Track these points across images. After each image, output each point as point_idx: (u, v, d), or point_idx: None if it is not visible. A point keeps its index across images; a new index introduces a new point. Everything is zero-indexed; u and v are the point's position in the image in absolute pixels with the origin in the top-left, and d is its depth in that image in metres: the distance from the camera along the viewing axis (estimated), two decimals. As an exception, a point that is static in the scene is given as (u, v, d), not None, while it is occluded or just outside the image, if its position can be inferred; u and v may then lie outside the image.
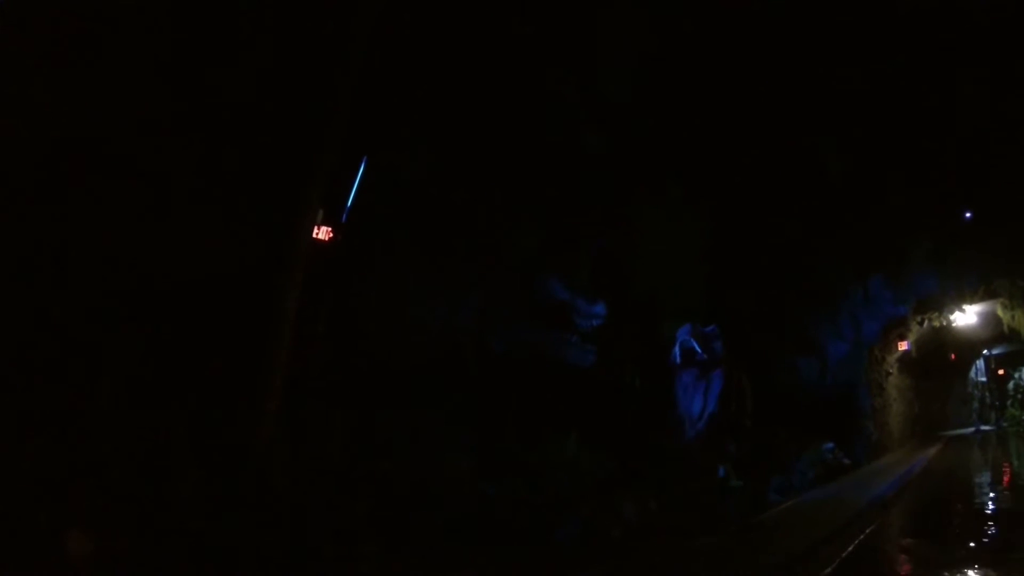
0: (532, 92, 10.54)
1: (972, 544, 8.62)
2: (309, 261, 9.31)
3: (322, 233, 9.83)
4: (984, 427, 34.63)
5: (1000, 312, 21.57)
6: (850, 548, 8.14)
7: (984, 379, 37.07)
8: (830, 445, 14.64)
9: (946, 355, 28.10)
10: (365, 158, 9.11)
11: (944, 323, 21.20)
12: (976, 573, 7.34)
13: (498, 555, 6.65)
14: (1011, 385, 35.98)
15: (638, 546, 7.26)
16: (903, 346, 20.55)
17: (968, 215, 17.57)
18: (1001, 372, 36.11)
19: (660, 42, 11.93)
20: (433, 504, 7.57)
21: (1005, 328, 22.76)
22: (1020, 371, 34.87)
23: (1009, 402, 35.75)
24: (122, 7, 6.57)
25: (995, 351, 33.22)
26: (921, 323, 20.41)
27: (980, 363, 36.03)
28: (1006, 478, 16.17)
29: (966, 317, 21.33)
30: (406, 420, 8.89)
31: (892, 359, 20.78)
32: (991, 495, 13.38)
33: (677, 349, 12.70)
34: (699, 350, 12.53)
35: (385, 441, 8.55)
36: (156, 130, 7.06)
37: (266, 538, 6.34)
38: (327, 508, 7.15)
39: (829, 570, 7.23)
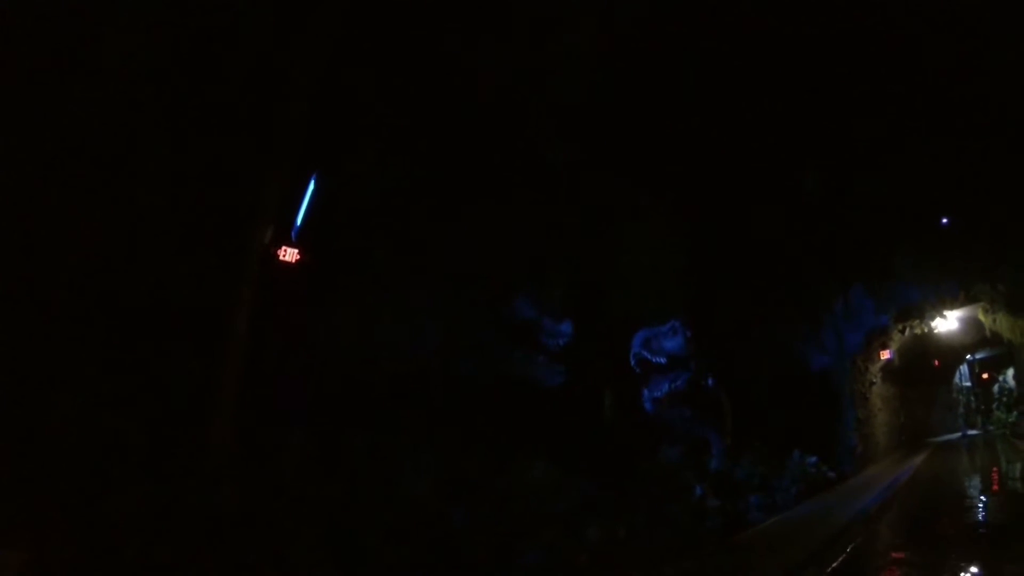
0: (489, 100, 10.33)
1: (959, 561, 8.33)
2: (275, 281, 9.15)
3: (289, 255, 9.65)
4: (971, 432, 34.58)
5: (982, 316, 21.50)
6: (833, 567, 7.86)
7: (969, 384, 37.12)
8: (813, 459, 14.38)
9: (930, 362, 28.04)
10: (315, 175, 8.83)
11: (926, 330, 21.09)
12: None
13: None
14: (996, 388, 36.02)
15: (605, 573, 6.90)
16: (886, 355, 20.38)
17: (945, 221, 17.50)
18: (985, 376, 36.19)
19: (614, 44, 11.75)
20: (390, 529, 7.22)
21: (987, 332, 22.68)
22: (1004, 374, 34.89)
23: (995, 405, 35.77)
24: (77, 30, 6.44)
25: (979, 356, 33.25)
26: (903, 331, 20.27)
27: (964, 368, 36.07)
28: (994, 486, 15.96)
29: (948, 323, 21.25)
30: (366, 441, 8.57)
31: (875, 369, 20.60)
32: (979, 506, 13.13)
33: (632, 360, 12.41)
34: (652, 358, 12.24)
35: (343, 463, 8.21)
36: (112, 150, 6.89)
37: (207, 558, 6.07)
38: (276, 531, 6.83)
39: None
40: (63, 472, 6.14)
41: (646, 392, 12.28)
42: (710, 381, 12.60)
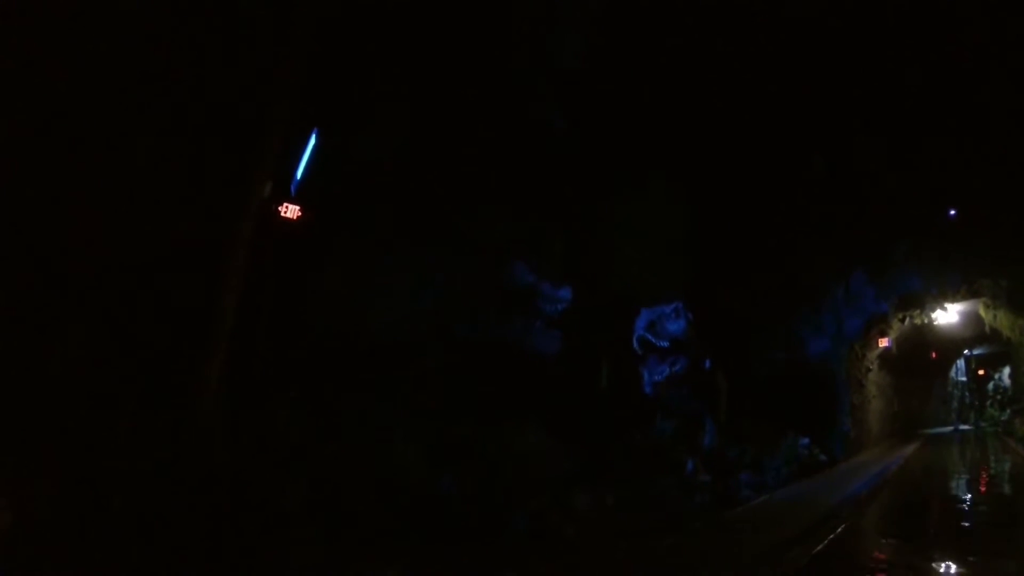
0: (492, 61, 10.10)
1: (944, 548, 8.32)
2: (273, 238, 9.00)
3: (290, 212, 9.48)
4: (963, 426, 34.77)
5: (982, 312, 21.39)
6: (819, 548, 7.82)
7: (964, 379, 37.20)
8: (806, 441, 14.37)
9: (927, 354, 28.02)
10: (316, 130, 8.63)
11: (926, 321, 20.99)
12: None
13: (438, 549, 6.25)
14: (991, 386, 36.08)
15: (592, 543, 6.86)
16: (884, 343, 20.33)
17: (952, 213, 17.34)
18: (981, 372, 36.22)
19: (619, 11, 11.49)
20: (379, 490, 7.17)
21: (987, 328, 22.60)
22: (1000, 372, 34.92)
23: (988, 402, 35.86)
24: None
25: (976, 351, 33.26)
26: (903, 320, 20.19)
27: (961, 363, 36.11)
28: (983, 479, 16.00)
29: (948, 316, 21.16)
30: (359, 402, 8.48)
31: (873, 356, 20.56)
32: (967, 496, 13.16)
33: (636, 342, 12.36)
34: (656, 341, 12.18)
35: (334, 423, 8.14)
36: (105, 109, 6.71)
37: (193, 515, 6.03)
38: (265, 490, 6.77)
39: (795, 571, 6.88)
40: (51, 426, 6.08)
41: (646, 374, 12.27)
42: (707, 363, 12.56)
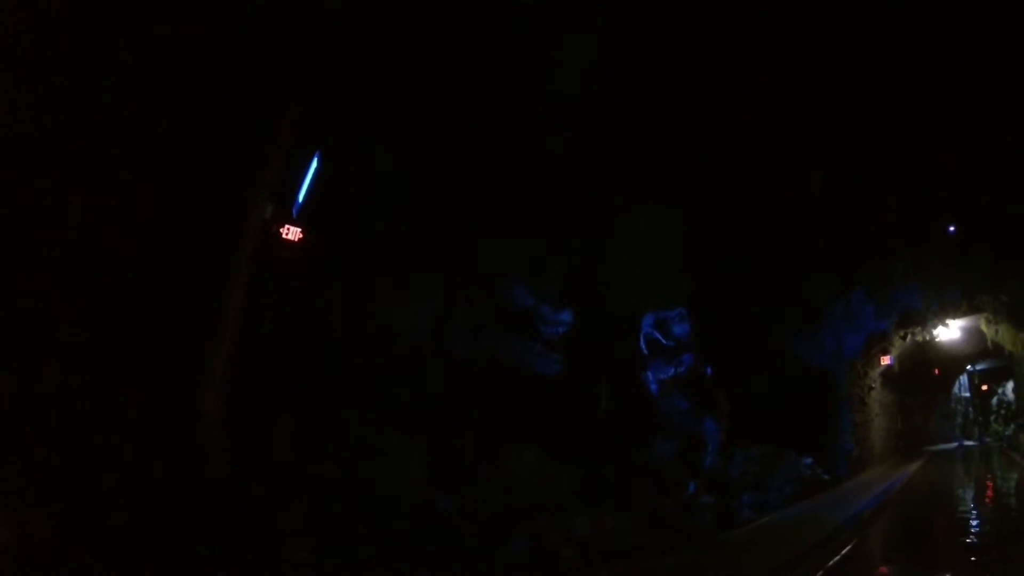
0: (493, 84, 10.21)
1: (949, 569, 8.24)
2: (275, 259, 9.06)
3: (291, 234, 9.54)
4: (967, 442, 34.53)
5: (984, 327, 21.35)
6: (822, 570, 7.75)
7: (968, 395, 37.03)
8: (808, 460, 14.30)
9: (929, 370, 27.92)
10: (318, 153, 8.70)
11: (927, 338, 20.94)
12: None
13: (436, 568, 6.23)
14: (995, 401, 35.93)
15: (590, 565, 6.82)
16: (886, 361, 20.27)
17: (951, 229, 17.37)
18: (985, 388, 36.06)
19: (618, 34, 11.63)
20: (378, 511, 7.16)
21: (989, 343, 22.54)
22: (1004, 387, 34.77)
23: (993, 417, 35.68)
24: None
25: (979, 367, 33.11)
26: (904, 338, 20.14)
27: (964, 379, 35.95)
28: (988, 496, 15.87)
29: (949, 332, 21.10)
30: (357, 422, 8.49)
31: (875, 374, 20.50)
32: (972, 514, 13.04)
33: (643, 340, 12.40)
34: (662, 339, 12.22)
35: (333, 443, 8.14)
36: (108, 121, 6.75)
37: (194, 534, 6.01)
38: (263, 508, 6.76)
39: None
40: (49, 441, 6.08)
41: (651, 375, 12.29)
42: (708, 370, 12.58)
